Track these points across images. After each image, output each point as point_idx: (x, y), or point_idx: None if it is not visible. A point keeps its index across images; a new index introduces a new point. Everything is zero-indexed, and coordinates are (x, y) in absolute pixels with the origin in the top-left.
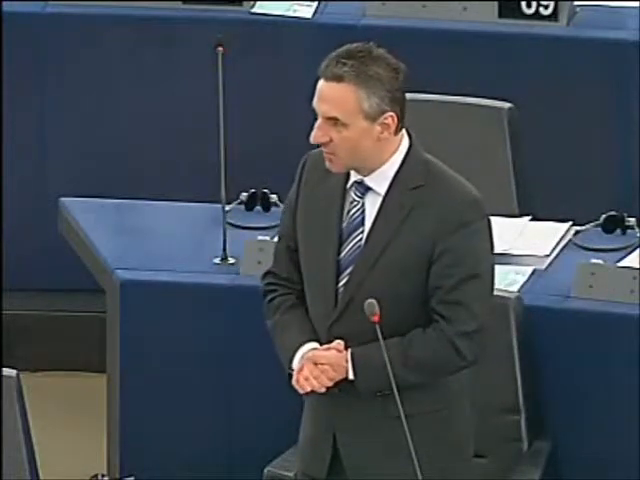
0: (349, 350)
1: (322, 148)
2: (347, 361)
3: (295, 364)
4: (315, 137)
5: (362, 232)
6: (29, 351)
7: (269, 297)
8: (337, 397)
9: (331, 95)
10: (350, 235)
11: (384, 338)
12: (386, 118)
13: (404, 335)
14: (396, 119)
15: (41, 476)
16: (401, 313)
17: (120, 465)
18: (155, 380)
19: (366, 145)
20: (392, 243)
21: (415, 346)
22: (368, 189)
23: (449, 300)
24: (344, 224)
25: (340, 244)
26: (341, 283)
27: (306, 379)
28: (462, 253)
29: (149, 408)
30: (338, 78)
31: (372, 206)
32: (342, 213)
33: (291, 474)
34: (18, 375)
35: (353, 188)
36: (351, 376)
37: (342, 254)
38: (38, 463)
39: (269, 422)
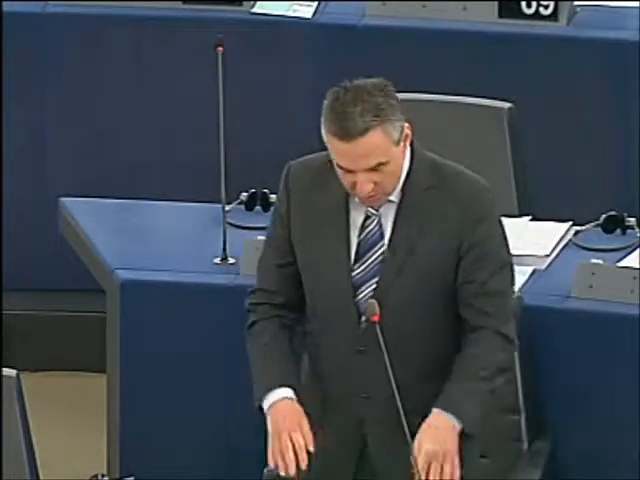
0: (441, 413)
1: (360, 193)
2: (454, 427)
3: (266, 405)
4: (365, 191)
5: (382, 245)
6: (29, 351)
7: (250, 319)
8: (367, 400)
9: (365, 149)
10: (369, 251)
11: (417, 343)
12: (405, 131)
13: (440, 339)
14: (409, 126)
15: (41, 476)
16: (432, 316)
17: (120, 465)
18: (155, 380)
19: (402, 165)
20: (416, 248)
21: (476, 358)
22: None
23: (486, 292)
24: (360, 240)
25: (355, 260)
26: (360, 297)
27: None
28: (490, 244)
29: (149, 408)
30: (363, 131)
31: (388, 216)
32: (348, 227)
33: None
34: (18, 375)
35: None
36: (458, 425)
37: (360, 269)
38: (38, 463)
39: None
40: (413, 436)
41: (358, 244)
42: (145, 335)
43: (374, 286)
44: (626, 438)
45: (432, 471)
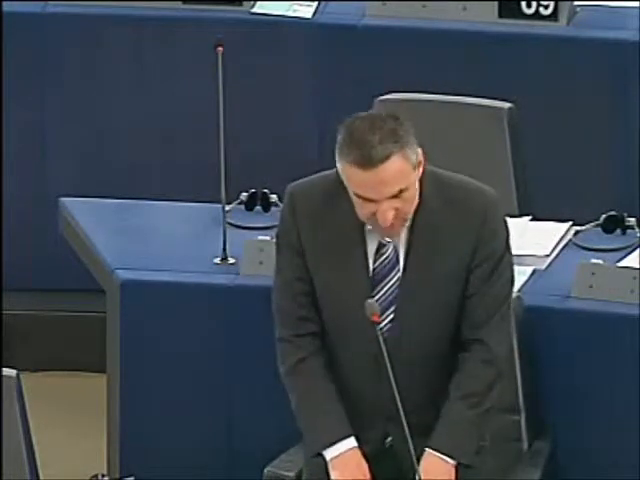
0: (436, 456)
1: (383, 223)
2: (451, 469)
3: (329, 454)
4: (388, 220)
5: (398, 271)
6: (29, 351)
7: (296, 357)
8: (391, 409)
9: (387, 176)
10: (385, 277)
11: (437, 361)
12: (420, 157)
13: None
14: (423, 153)
15: (41, 476)
16: (449, 332)
17: (120, 465)
18: (155, 380)
19: (417, 190)
20: (431, 267)
21: (468, 383)
22: None
23: (489, 313)
24: (376, 267)
25: (373, 287)
26: (382, 326)
27: None
28: (497, 257)
29: (149, 408)
30: (385, 158)
31: (401, 240)
32: (366, 254)
33: (291, 474)
34: (18, 375)
35: None
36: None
37: (376, 297)
38: (38, 463)
39: (269, 422)
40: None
41: (374, 270)
42: (145, 335)
43: (392, 315)
44: (626, 438)
45: None
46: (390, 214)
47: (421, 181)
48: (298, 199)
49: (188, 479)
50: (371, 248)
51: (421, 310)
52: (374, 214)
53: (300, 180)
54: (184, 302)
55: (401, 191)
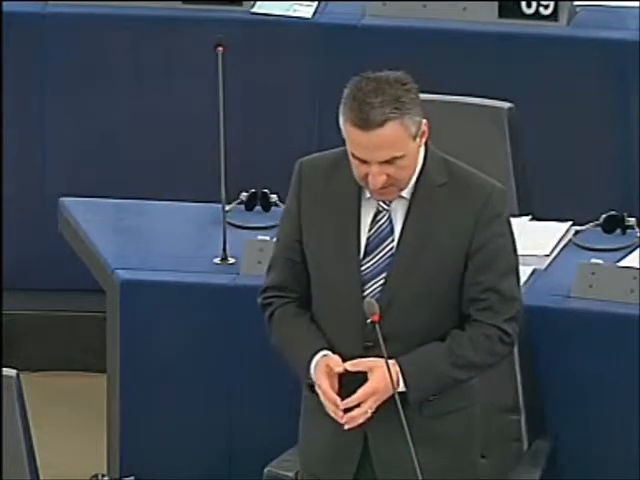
0: (394, 362)
1: (372, 185)
2: (397, 373)
3: (312, 373)
4: (378, 183)
5: (392, 241)
6: (29, 351)
7: (268, 312)
8: None
9: (381, 141)
10: (378, 246)
11: (422, 340)
12: (422, 127)
13: (443, 335)
14: (427, 123)
15: (41, 476)
16: (438, 313)
17: (120, 465)
18: (155, 380)
19: (417, 161)
20: (427, 244)
21: (463, 344)
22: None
23: (495, 291)
24: (370, 235)
25: (364, 255)
26: (367, 292)
27: (364, 414)
28: (500, 244)
29: (149, 408)
30: (381, 123)
31: (399, 212)
32: (359, 223)
33: (291, 474)
34: (18, 375)
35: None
36: (402, 388)
37: (367, 265)
38: (38, 463)
39: (269, 422)
40: (412, 435)
41: (368, 239)
42: (145, 335)
43: (382, 282)
44: (626, 438)
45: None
46: (380, 179)
47: (429, 161)
48: (305, 170)
49: (188, 479)
50: (368, 216)
51: (411, 284)
52: (367, 176)
53: (310, 156)
54: (184, 302)
55: (395, 158)
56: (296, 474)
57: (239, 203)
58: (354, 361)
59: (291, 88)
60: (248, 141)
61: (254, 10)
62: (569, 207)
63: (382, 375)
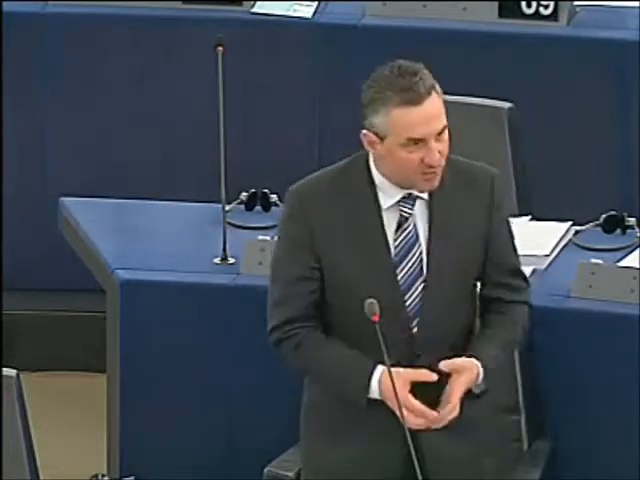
0: (476, 361)
1: (432, 162)
2: (478, 374)
3: (374, 388)
4: (438, 159)
5: (420, 246)
6: (29, 351)
7: (293, 342)
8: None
9: (435, 108)
10: (408, 253)
11: (458, 337)
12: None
13: (467, 329)
14: None
15: (41, 476)
16: (468, 309)
17: (120, 465)
18: (155, 380)
19: None
20: (453, 243)
21: (513, 331)
22: (416, 198)
23: (517, 272)
24: (397, 244)
25: (396, 264)
26: (409, 302)
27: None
28: (509, 226)
29: (149, 408)
30: (429, 91)
31: (421, 215)
32: (385, 234)
33: (291, 474)
34: (18, 375)
35: (400, 205)
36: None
37: (401, 274)
38: (38, 463)
39: (269, 422)
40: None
41: (396, 248)
42: (145, 335)
43: (421, 287)
44: (626, 438)
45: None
46: (437, 154)
47: None
48: (306, 199)
49: (188, 479)
50: (391, 228)
51: (448, 280)
52: (422, 160)
53: (300, 181)
54: (184, 302)
55: (444, 128)
56: (296, 474)
57: (239, 203)
58: (447, 362)
59: (291, 88)
60: (248, 141)
61: (254, 10)
62: (569, 207)
63: (473, 376)
